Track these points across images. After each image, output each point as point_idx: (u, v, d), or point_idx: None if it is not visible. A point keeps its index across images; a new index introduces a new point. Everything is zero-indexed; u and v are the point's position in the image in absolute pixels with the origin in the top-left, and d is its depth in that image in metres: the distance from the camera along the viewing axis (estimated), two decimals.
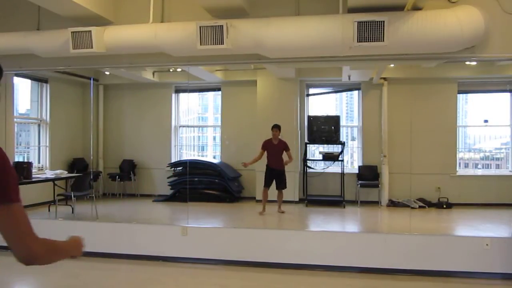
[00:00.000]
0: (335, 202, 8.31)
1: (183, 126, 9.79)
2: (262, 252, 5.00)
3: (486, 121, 8.62)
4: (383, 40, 4.19)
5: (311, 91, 9.20)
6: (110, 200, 8.96)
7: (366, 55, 4.77)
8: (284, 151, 7.22)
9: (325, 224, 7.36)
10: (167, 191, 8.77)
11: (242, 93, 9.18)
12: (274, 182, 7.29)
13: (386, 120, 8.43)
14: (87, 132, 8.48)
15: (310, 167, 8.53)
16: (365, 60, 5.21)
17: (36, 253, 1.40)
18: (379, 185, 8.30)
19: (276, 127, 7.25)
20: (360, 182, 8.39)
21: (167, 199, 8.60)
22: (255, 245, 5.07)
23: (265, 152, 7.23)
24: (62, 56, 5.29)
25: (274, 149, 7.20)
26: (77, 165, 8.77)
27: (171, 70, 8.47)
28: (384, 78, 8.37)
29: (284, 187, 7.32)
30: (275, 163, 7.21)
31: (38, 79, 8.41)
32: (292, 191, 8.21)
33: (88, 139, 8.53)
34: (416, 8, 4.35)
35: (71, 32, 4.83)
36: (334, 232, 5.80)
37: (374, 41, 4.21)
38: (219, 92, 9.39)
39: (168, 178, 8.88)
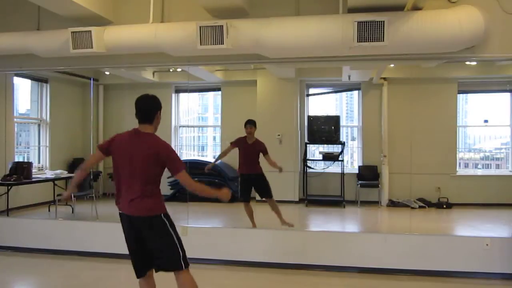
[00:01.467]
0: (335, 202, 8.31)
1: (183, 126, 9.79)
2: (262, 252, 4.99)
3: (486, 121, 8.63)
4: (383, 40, 4.19)
5: (311, 91, 9.19)
6: (110, 200, 8.87)
7: (366, 55, 4.76)
8: (261, 154, 5.99)
9: (325, 224, 7.36)
10: (167, 191, 8.76)
11: (242, 93, 9.18)
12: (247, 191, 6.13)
13: (386, 120, 8.43)
14: (87, 132, 8.47)
15: (310, 167, 8.53)
16: (365, 60, 5.20)
17: (195, 188, 3.16)
18: (379, 185, 8.31)
19: (251, 123, 6.03)
20: (360, 182, 8.40)
21: (167, 199, 8.46)
22: (255, 245, 5.07)
23: (238, 154, 6.07)
24: (62, 56, 5.29)
25: (248, 149, 5.97)
26: (77, 165, 8.69)
27: (171, 70, 8.47)
28: (384, 78, 8.37)
29: (270, 194, 6.06)
30: (249, 167, 5.99)
31: (38, 79, 8.41)
32: (292, 191, 8.21)
33: (88, 139, 8.52)
34: (416, 8, 4.35)
35: (71, 32, 4.83)
36: (334, 232, 5.79)
37: (374, 41, 4.20)
38: (219, 92, 9.38)
39: (168, 178, 8.81)
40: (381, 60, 5.69)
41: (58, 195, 7.17)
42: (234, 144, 6.12)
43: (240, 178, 6.24)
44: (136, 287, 4.44)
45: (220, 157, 6.43)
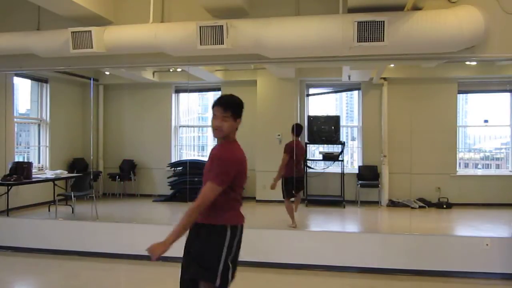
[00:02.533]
0: (335, 202, 8.31)
1: (183, 126, 9.79)
2: (262, 252, 4.99)
3: (486, 121, 8.63)
4: (383, 40, 4.19)
5: (311, 91, 9.20)
6: (110, 200, 8.96)
7: (366, 55, 4.76)
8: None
9: (325, 224, 7.36)
10: (167, 191, 8.77)
11: (242, 93, 8.98)
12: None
13: (386, 120, 8.43)
14: (87, 132, 8.48)
15: (310, 167, 8.53)
16: (365, 60, 5.20)
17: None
18: (379, 185, 8.30)
19: (300, 127, 6.41)
20: (360, 182, 8.40)
21: (167, 199, 8.60)
22: (255, 245, 5.05)
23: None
24: (62, 56, 5.29)
25: (299, 153, 6.26)
26: (77, 165, 8.78)
27: (171, 70, 8.47)
28: (384, 78, 8.37)
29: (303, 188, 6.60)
30: (299, 170, 6.37)
31: (38, 79, 8.41)
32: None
33: (88, 139, 8.53)
34: (416, 8, 4.35)
35: (71, 32, 4.83)
36: (334, 232, 5.79)
37: (374, 41, 4.20)
38: (219, 92, 9.38)
39: (168, 178, 8.89)
40: (381, 60, 5.69)
41: (59, 195, 7.17)
42: (288, 151, 6.17)
43: (289, 180, 6.24)
44: (136, 287, 4.45)
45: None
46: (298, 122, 8.57)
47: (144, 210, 8.35)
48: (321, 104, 9.36)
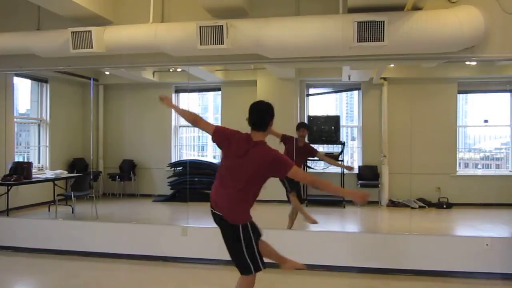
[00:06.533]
0: (335, 202, 8.30)
1: (183, 126, 9.79)
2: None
3: (486, 121, 8.63)
4: (383, 40, 4.19)
5: (311, 91, 9.19)
6: (110, 200, 8.96)
7: (366, 55, 4.76)
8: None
9: (325, 224, 7.35)
10: (167, 191, 8.77)
11: (242, 93, 9.17)
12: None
13: (386, 120, 8.43)
14: (87, 132, 8.48)
15: (310, 167, 8.52)
16: (365, 60, 5.20)
17: (311, 181, 3.10)
18: (379, 185, 8.30)
19: (304, 126, 6.14)
20: (360, 182, 8.40)
21: (167, 199, 8.60)
22: None
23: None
24: (62, 56, 5.29)
25: (300, 151, 6.01)
26: (77, 165, 8.78)
27: (171, 70, 8.47)
28: (384, 78, 8.37)
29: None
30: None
31: (38, 79, 8.41)
32: None
33: (88, 139, 8.53)
34: (416, 8, 4.35)
35: (71, 32, 4.83)
36: (334, 232, 5.79)
37: (374, 41, 4.21)
38: (219, 92, 9.38)
39: (168, 178, 8.89)
40: (381, 60, 5.69)
41: (59, 195, 7.19)
42: (284, 140, 5.92)
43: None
44: (136, 287, 4.45)
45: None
46: (298, 122, 8.57)
47: (144, 210, 8.35)
48: (321, 104, 9.36)
